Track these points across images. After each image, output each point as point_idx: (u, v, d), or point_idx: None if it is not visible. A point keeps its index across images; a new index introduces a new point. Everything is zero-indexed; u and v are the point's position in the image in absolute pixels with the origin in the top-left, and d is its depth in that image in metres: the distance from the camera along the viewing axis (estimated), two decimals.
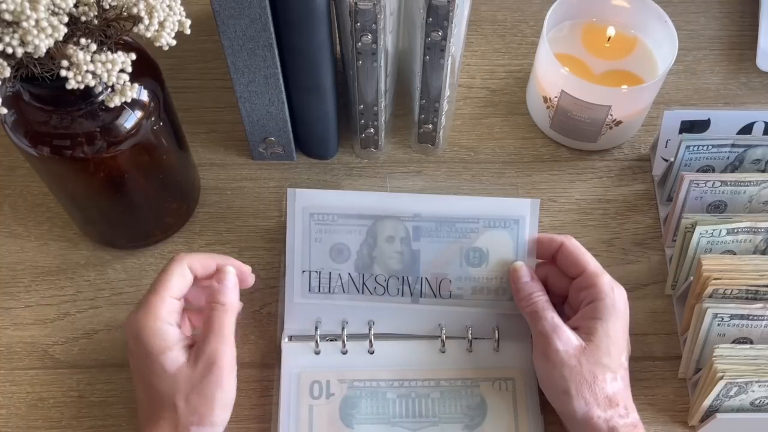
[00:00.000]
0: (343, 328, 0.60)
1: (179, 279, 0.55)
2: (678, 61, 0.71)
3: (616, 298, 0.55)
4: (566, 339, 0.54)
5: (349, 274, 0.60)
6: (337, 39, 0.64)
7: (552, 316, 0.56)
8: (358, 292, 0.60)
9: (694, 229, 0.59)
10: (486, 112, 0.73)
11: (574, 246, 0.58)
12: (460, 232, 0.60)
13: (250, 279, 0.59)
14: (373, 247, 0.60)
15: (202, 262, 0.56)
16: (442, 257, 0.60)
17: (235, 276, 0.57)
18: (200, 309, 0.58)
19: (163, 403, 0.52)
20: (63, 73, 0.45)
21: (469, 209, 0.60)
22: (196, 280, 0.56)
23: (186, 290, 0.56)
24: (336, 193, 0.61)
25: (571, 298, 0.58)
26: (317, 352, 0.60)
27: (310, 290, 0.60)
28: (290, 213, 0.60)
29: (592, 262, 0.57)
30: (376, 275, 0.60)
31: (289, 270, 0.60)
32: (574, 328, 0.55)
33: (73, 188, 0.59)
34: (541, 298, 0.57)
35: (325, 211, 0.60)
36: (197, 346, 0.53)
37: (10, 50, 0.43)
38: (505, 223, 0.59)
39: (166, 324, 0.53)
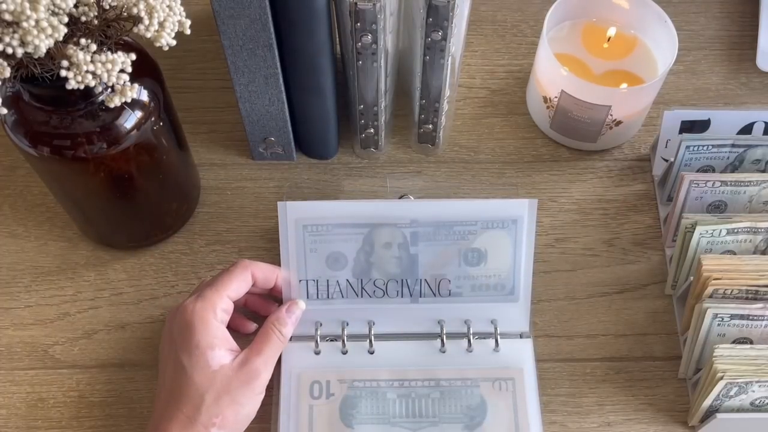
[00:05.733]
0: (343, 329, 0.60)
1: (241, 283, 0.57)
2: (678, 61, 0.71)
3: None
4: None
5: (347, 280, 0.60)
6: (337, 39, 0.64)
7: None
8: (357, 296, 0.60)
9: (694, 229, 0.59)
10: (486, 112, 0.73)
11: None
12: (458, 234, 0.59)
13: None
14: (370, 253, 0.60)
15: (265, 272, 0.58)
16: (441, 259, 0.60)
17: (301, 313, 0.59)
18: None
19: (189, 395, 0.53)
20: (63, 73, 0.45)
21: (466, 212, 0.59)
22: (253, 287, 0.58)
23: (242, 295, 0.57)
24: (328, 203, 0.60)
25: None
26: (317, 353, 0.60)
27: (308, 297, 0.60)
28: (282, 225, 0.59)
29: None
30: (374, 280, 0.60)
31: (285, 281, 0.59)
32: None
33: (73, 188, 0.59)
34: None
35: (319, 222, 0.59)
36: (245, 354, 0.55)
37: (10, 50, 0.44)
38: (503, 223, 0.59)
39: (219, 321, 0.55)
